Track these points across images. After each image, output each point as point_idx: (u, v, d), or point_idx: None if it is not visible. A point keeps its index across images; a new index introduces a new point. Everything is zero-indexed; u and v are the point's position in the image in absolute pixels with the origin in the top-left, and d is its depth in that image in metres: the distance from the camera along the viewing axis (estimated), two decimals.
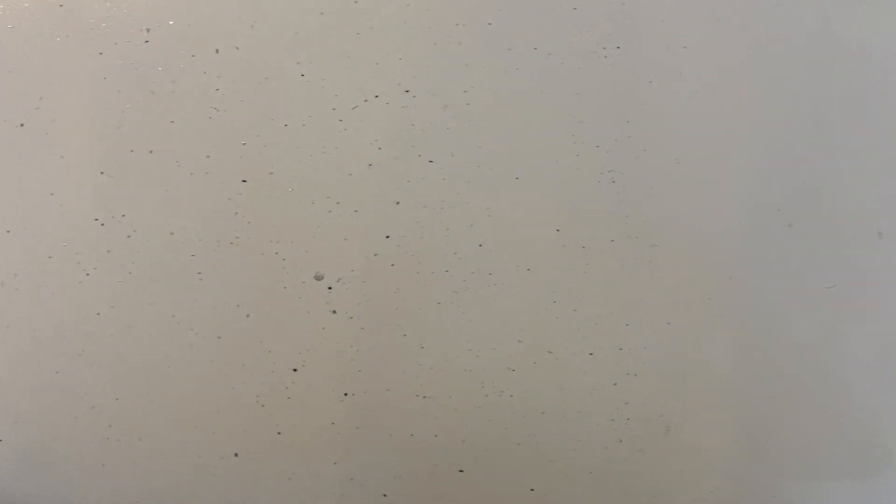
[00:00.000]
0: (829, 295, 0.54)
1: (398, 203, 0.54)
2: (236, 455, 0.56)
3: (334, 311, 0.54)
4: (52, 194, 0.54)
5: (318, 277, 0.54)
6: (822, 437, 0.55)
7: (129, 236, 0.54)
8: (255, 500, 0.56)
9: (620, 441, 0.55)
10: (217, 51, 0.53)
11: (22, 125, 0.53)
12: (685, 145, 0.53)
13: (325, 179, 0.54)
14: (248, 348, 0.55)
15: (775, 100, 0.53)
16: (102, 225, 0.54)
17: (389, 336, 0.54)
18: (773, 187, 0.53)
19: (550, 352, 0.54)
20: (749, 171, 0.53)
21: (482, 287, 0.54)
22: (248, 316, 0.54)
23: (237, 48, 0.53)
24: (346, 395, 0.55)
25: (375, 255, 0.54)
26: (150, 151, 0.54)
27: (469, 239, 0.54)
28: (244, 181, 0.54)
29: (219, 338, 0.55)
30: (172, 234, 0.54)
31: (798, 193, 0.53)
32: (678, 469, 0.55)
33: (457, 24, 0.53)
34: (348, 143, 0.53)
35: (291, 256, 0.54)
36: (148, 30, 0.53)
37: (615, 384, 0.54)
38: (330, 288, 0.54)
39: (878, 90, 0.53)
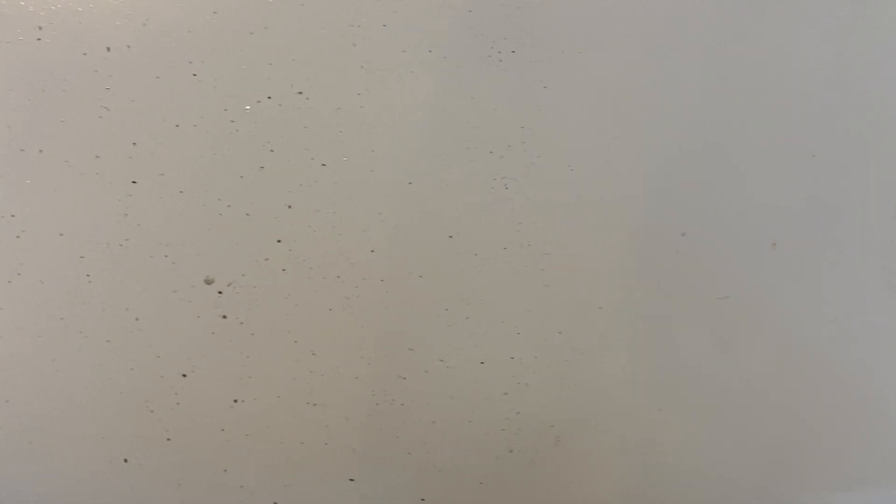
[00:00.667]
0: (723, 305, 0.53)
1: (290, 207, 0.53)
2: (125, 461, 0.55)
3: (224, 316, 0.53)
4: None
5: (209, 281, 0.53)
6: (713, 445, 0.55)
7: (17, 237, 0.53)
8: None
9: (511, 451, 0.54)
10: (108, 49, 0.52)
11: None
12: (579, 152, 0.52)
13: (215, 182, 0.53)
14: (137, 352, 0.54)
15: (669, 107, 0.52)
16: None
17: (280, 342, 0.53)
18: (667, 196, 0.52)
19: (442, 360, 0.53)
20: (643, 179, 0.52)
21: (374, 293, 0.53)
22: (137, 319, 0.53)
23: (129, 46, 0.52)
24: (235, 401, 0.54)
25: (266, 259, 0.53)
26: (40, 151, 0.53)
27: (361, 244, 0.53)
28: (134, 182, 0.53)
29: (108, 341, 0.54)
30: (62, 234, 0.53)
31: (692, 202, 0.52)
32: (568, 480, 0.54)
33: (351, 26, 0.52)
34: (240, 144, 0.52)
35: (181, 260, 0.53)
36: (40, 27, 0.52)
37: (506, 393, 0.54)
38: (220, 292, 0.53)
39: (773, 99, 0.52)
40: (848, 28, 0.53)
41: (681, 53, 0.52)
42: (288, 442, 0.54)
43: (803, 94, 0.52)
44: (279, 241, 0.53)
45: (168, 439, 0.54)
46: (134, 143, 0.52)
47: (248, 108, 0.52)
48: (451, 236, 0.53)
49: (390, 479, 0.54)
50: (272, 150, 0.52)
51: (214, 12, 0.52)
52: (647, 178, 0.52)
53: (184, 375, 0.54)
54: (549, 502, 0.54)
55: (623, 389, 0.53)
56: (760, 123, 0.52)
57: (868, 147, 0.53)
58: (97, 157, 0.52)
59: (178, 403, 0.54)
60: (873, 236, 0.53)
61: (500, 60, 0.52)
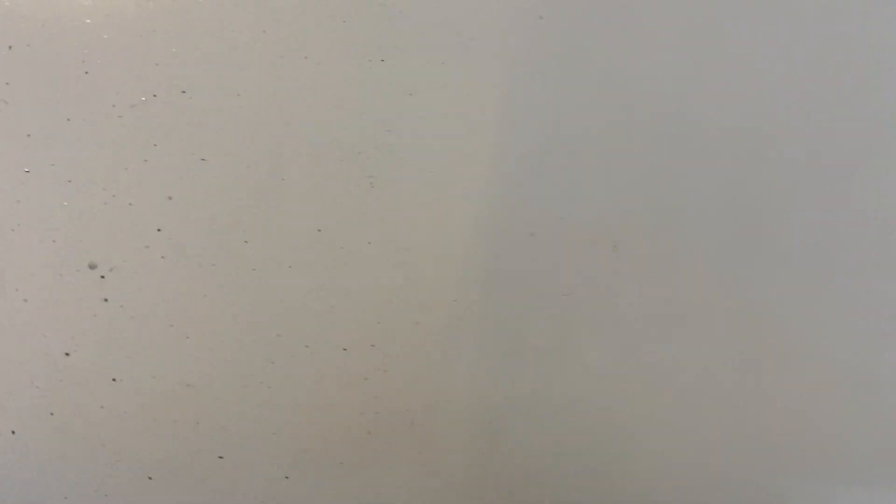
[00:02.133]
0: (566, 300, 0.56)
1: (170, 198, 0.56)
2: (13, 433, 0.58)
3: (106, 300, 0.57)
4: None
5: (92, 266, 0.57)
6: (558, 436, 0.58)
7: None
8: (29, 475, 0.58)
9: (369, 433, 0.57)
10: (10, 47, 0.56)
11: None
12: (438, 154, 0.56)
13: (102, 172, 0.56)
14: (25, 331, 0.57)
15: (521, 114, 0.56)
16: None
17: (157, 325, 0.57)
18: (519, 198, 0.56)
19: (307, 346, 0.57)
20: (496, 180, 0.56)
21: (246, 282, 0.56)
22: (25, 301, 0.57)
23: (28, 45, 0.56)
24: (114, 380, 0.57)
25: (147, 247, 0.56)
26: None
27: (235, 235, 0.56)
28: (27, 171, 0.56)
29: None
30: None
31: (542, 205, 0.56)
32: (422, 461, 0.57)
33: (233, 31, 0.56)
34: (126, 138, 0.56)
35: (68, 245, 0.56)
36: None
37: (366, 379, 0.57)
38: (103, 277, 0.57)
39: (615, 105, 0.56)
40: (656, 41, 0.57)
41: (533, 64, 0.56)
42: (162, 420, 0.57)
43: (641, 100, 0.56)
44: (159, 230, 0.56)
45: (52, 414, 0.57)
46: (28, 135, 0.56)
47: (134, 104, 0.56)
48: (319, 230, 0.56)
49: (257, 457, 0.58)
50: (155, 145, 0.56)
51: (107, 15, 0.56)
52: (500, 180, 0.56)
53: (67, 354, 0.57)
54: (405, 482, 0.58)
55: (473, 377, 0.57)
56: (608, 128, 0.56)
57: (705, 152, 0.57)
58: None
59: (61, 381, 0.57)
60: (709, 240, 0.56)
61: (371, 68, 0.56)
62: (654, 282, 0.56)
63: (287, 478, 0.58)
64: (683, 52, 0.57)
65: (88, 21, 0.56)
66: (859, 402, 0.58)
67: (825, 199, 0.57)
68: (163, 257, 0.56)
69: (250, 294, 0.56)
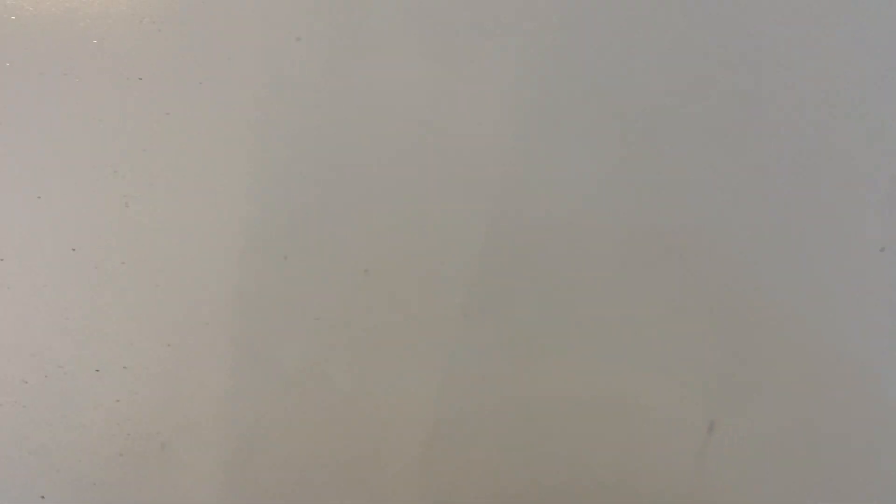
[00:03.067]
0: (318, 324, 0.57)
1: None
2: None
3: None
4: None
5: None
6: (310, 457, 0.58)
7: None
8: None
9: (121, 455, 0.57)
10: None
11: None
12: (194, 175, 0.55)
13: None
14: None
15: (278, 134, 0.56)
16: None
17: None
18: (273, 221, 0.56)
19: (60, 366, 0.56)
20: (250, 201, 0.56)
21: (1, 301, 0.56)
22: None
23: None
24: None
25: None
26: None
27: None
28: None
29: None
30: None
31: (295, 228, 0.56)
32: (173, 483, 0.58)
33: None
34: None
35: None
36: None
37: (118, 401, 0.57)
38: None
39: (354, 127, 0.56)
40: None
41: (291, 88, 0.55)
42: None
43: (370, 114, 0.56)
44: None
45: None
46: None
47: None
48: (73, 249, 0.56)
49: (12, 477, 0.57)
50: None
51: None
52: (254, 204, 0.56)
53: None
54: (156, 502, 0.58)
55: (225, 399, 0.57)
56: (355, 153, 0.56)
57: (462, 178, 0.57)
58: None
59: None
60: (467, 264, 0.57)
61: (129, 87, 0.55)
62: (402, 306, 0.57)
63: (43, 497, 0.58)
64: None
65: None
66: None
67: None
68: None
69: (5, 312, 0.56)
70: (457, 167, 0.56)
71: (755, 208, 0.57)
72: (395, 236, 0.56)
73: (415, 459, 0.59)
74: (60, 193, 0.55)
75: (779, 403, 0.59)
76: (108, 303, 0.56)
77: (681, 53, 0.56)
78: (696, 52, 0.56)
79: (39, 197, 0.55)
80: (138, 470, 0.57)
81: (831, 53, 0.56)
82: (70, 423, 0.57)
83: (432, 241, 0.56)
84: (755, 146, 0.57)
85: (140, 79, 0.55)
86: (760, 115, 0.57)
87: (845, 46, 0.56)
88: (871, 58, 0.56)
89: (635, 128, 0.56)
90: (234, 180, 0.56)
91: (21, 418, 0.57)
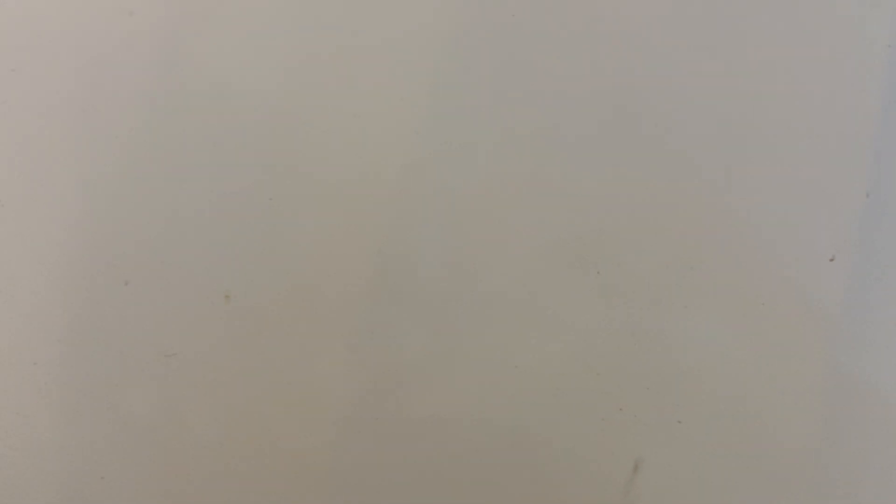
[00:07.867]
0: (170, 362, 0.47)
1: None
2: None
3: None
4: None
5: None
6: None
7: None
8: None
9: None
10: None
11: None
12: (15, 176, 0.46)
13: None
14: None
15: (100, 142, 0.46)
16: None
17: None
18: (111, 239, 0.46)
19: None
20: (83, 223, 0.46)
21: None
22: None
23: None
24: None
25: None
26: None
27: None
28: None
29: None
30: None
31: (138, 249, 0.46)
32: None
33: None
34: None
35: None
36: None
37: None
38: None
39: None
40: None
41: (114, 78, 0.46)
42: None
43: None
44: None
45: None
46: None
47: None
48: None
49: None
50: None
51: None
52: (81, 212, 0.46)
53: None
54: None
55: (56, 456, 0.47)
56: (213, 175, 0.47)
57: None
58: None
59: None
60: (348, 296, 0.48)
61: None
62: (268, 336, 0.47)
63: None
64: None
65: None
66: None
67: None
68: None
69: None
70: (338, 169, 0.47)
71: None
72: (261, 253, 0.46)
73: None
74: None
75: (702, 439, 0.52)
76: None
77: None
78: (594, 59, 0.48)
79: None
80: None
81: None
82: None
83: (310, 258, 0.47)
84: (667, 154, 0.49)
85: (12, 70, 0.45)
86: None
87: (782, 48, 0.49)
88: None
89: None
90: (58, 183, 0.45)
91: None
